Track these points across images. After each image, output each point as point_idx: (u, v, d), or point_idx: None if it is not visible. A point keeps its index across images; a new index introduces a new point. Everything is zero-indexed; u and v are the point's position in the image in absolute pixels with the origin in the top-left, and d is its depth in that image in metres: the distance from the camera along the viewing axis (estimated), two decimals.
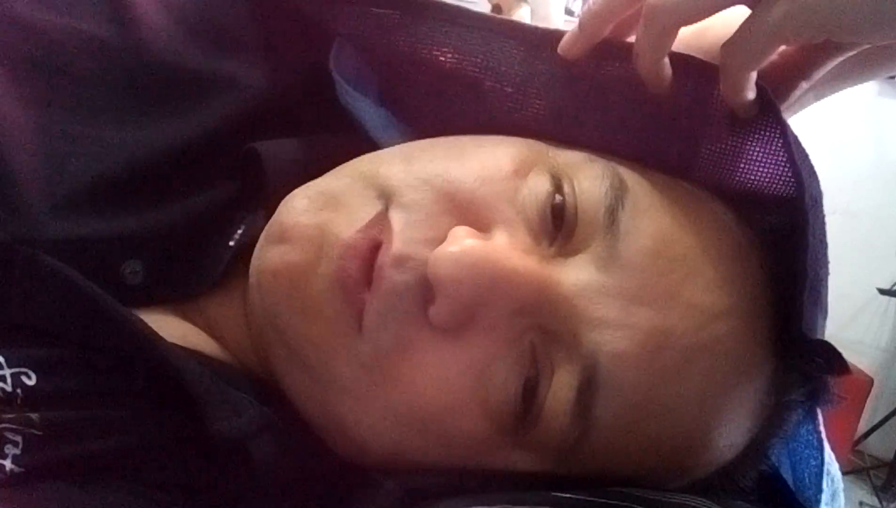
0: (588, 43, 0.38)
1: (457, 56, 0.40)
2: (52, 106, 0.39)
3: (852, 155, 2.72)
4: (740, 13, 0.35)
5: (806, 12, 0.32)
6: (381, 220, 0.35)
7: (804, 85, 0.38)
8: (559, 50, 0.39)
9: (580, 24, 0.38)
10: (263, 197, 0.40)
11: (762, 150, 0.38)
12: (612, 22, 0.38)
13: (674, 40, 0.36)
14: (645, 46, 0.36)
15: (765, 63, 0.35)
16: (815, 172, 0.37)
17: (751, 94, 0.36)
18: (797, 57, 0.38)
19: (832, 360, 0.36)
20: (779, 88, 0.38)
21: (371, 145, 0.42)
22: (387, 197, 0.35)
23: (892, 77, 2.59)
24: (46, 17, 0.41)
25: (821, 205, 0.37)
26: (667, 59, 0.37)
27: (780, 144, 0.37)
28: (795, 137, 0.37)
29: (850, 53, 0.37)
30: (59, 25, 0.41)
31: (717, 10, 0.34)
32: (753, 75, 0.36)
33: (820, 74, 0.38)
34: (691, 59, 0.38)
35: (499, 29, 0.40)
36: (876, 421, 2.60)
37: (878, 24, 0.32)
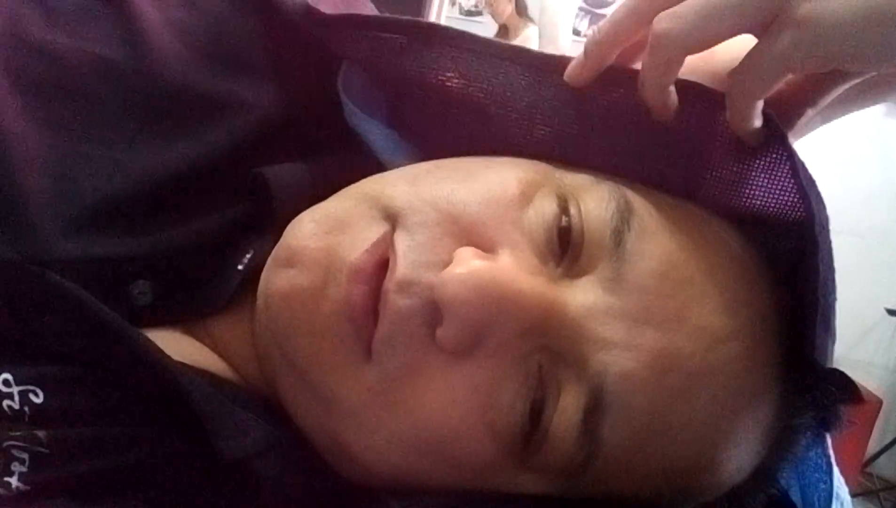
0: (594, 70, 0.39)
1: (463, 81, 0.40)
2: (64, 127, 0.40)
3: (860, 175, 2.72)
4: (748, 38, 0.35)
5: (813, 42, 0.32)
6: (387, 240, 0.35)
7: (811, 112, 0.38)
8: (565, 77, 0.39)
9: (585, 52, 0.39)
10: (271, 221, 0.40)
11: (769, 175, 0.38)
12: (618, 49, 0.38)
13: (680, 68, 0.36)
14: (651, 74, 0.36)
15: (772, 92, 0.35)
16: (822, 199, 0.37)
17: (758, 121, 0.36)
18: (804, 84, 0.38)
19: (845, 389, 0.35)
20: (785, 114, 0.38)
21: (378, 167, 0.42)
22: (392, 218, 0.35)
23: None
24: (59, 39, 0.41)
25: (828, 231, 0.37)
26: (672, 87, 0.37)
27: (787, 171, 0.37)
28: (802, 164, 0.37)
29: (857, 81, 0.37)
30: (71, 48, 0.41)
31: (723, 39, 0.34)
32: (760, 103, 0.36)
33: (827, 101, 0.38)
34: (696, 85, 0.38)
35: (505, 55, 0.40)
36: (885, 443, 2.58)
37: (885, 54, 0.32)
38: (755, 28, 0.34)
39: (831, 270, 0.37)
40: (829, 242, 0.37)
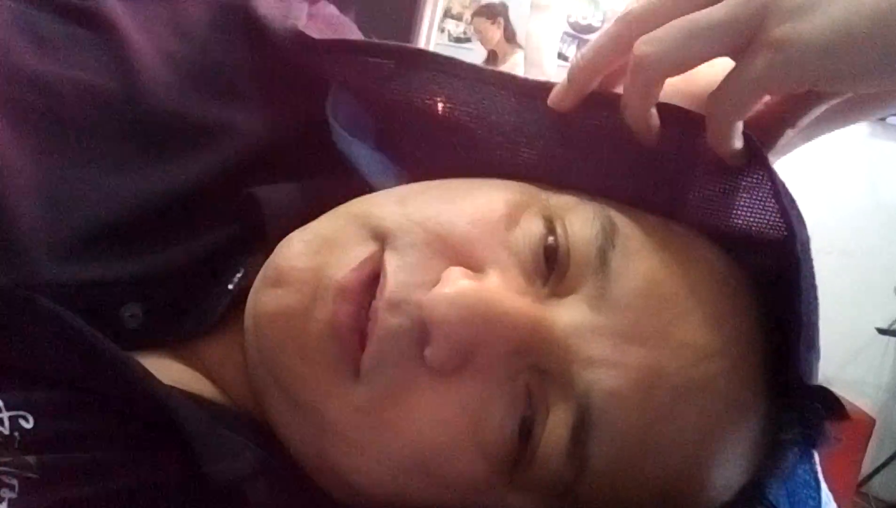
0: (577, 96, 0.39)
1: (449, 105, 0.41)
2: (54, 153, 0.40)
3: (847, 195, 2.74)
4: (729, 60, 0.36)
5: (788, 63, 0.33)
6: (375, 259, 0.35)
7: (790, 132, 0.39)
8: (549, 102, 0.40)
9: (569, 77, 0.39)
10: (262, 241, 0.40)
11: (750, 195, 0.38)
12: (600, 75, 0.39)
13: (660, 90, 0.36)
14: (632, 97, 0.37)
15: (750, 113, 0.36)
16: (803, 218, 0.38)
17: (738, 143, 0.37)
18: (783, 105, 0.39)
19: (831, 405, 0.36)
20: (766, 135, 0.39)
21: (367, 189, 0.42)
22: (381, 238, 0.36)
23: (883, 119, 2.62)
24: (49, 68, 0.42)
25: (809, 250, 0.37)
26: (654, 110, 0.38)
27: (768, 191, 0.38)
28: (783, 184, 0.37)
29: (836, 101, 0.37)
30: (62, 77, 0.42)
31: (701, 62, 0.35)
32: (740, 125, 0.36)
33: (806, 121, 0.39)
34: (676, 108, 0.39)
35: (490, 80, 0.41)
36: (879, 462, 2.58)
37: (860, 75, 0.33)
38: (733, 51, 0.35)
39: (814, 288, 0.37)
40: (811, 260, 0.37)
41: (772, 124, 0.39)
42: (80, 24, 0.45)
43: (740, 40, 0.34)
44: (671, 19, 0.35)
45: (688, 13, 0.35)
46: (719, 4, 0.35)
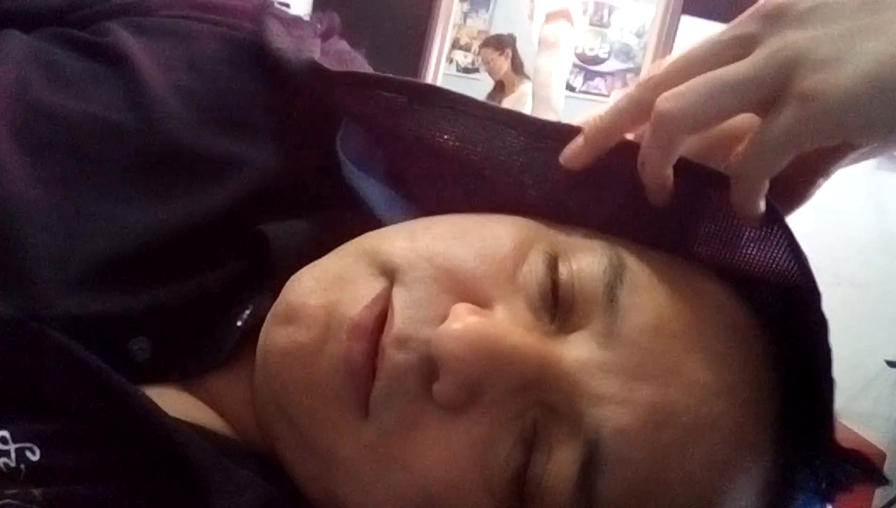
0: (592, 155, 0.38)
1: (459, 143, 0.41)
2: (67, 186, 0.40)
3: (856, 227, 2.74)
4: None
5: (820, 117, 0.32)
6: (385, 297, 0.35)
7: (822, 182, 0.38)
8: (561, 159, 0.39)
9: (585, 136, 0.38)
10: (270, 278, 0.41)
11: (759, 244, 0.38)
12: (618, 137, 0.38)
13: (682, 148, 0.36)
14: (652, 154, 0.36)
15: (779, 171, 0.34)
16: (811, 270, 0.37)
17: (763, 205, 0.36)
18: (814, 155, 0.37)
19: (868, 471, 0.36)
20: (798, 186, 0.38)
21: (376, 223, 0.43)
22: (390, 274, 0.36)
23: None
24: (65, 102, 0.42)
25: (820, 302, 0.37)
26: (671, 165, 0.36)
27: (782, 242, 0.37)
28: (792, 234, 0.37)
29: (865, 150, 0.36)
30: (76, 111, 0.42)
31: (726, 119, 0.34)
32: (766, 183, 0.35)
33: (837, 169, 0.38)
34: (687, 162, 0.37)
35: (500, 118, 0.41)
36: (891, 497, 2.54)
37: (893, 124, 0.32)
38: (759, 106, 0.34)
39: (827, 334, 0.36)
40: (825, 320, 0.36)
41: (804, 175, 0.38)
42: (95, 59, 0.45)
43: (767, 95, 0.33)
44: (690, 79, 0.35)
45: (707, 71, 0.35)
46: (744, 61, 0.34)
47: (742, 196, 0.36)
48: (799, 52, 0.33)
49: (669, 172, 0.37)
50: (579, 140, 0.38)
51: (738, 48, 0.35)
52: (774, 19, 0.34)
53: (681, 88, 0.35)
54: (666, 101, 0.35)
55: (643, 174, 0.37)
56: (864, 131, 0.33)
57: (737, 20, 0.35)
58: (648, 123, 0.36)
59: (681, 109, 0.34)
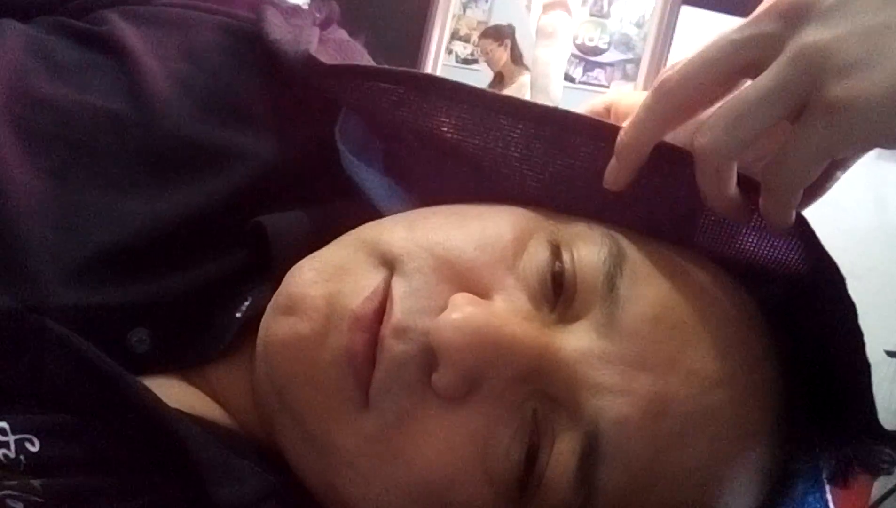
0: (630, 172, 0.37)
1: (457, 135, 0.41)
2: (66, 177, 0.40)
3: (855, 218, 2.73)
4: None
5: (852, 127, 0.31)
6: (385, 288, 0.35)
7: (840, 175, 0.38)
8: (605, 185, 0.38)
9: (617, 156, 0.37)
10: (269, 269, 0.40)
11: (760, 235, 0.38)
12: (648, 149, 0.37)
13: (733, 172, 0.35)
14: (708, 187, 0.35)
15: (811, 180, 0.34)
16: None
17: (793, 214, 0.35)
18: None
19: None
20: (816, 181, 0.36)
21: (376, 214, 0.42)
22: (390, 264, 0.36)
23: None
24: (63, 92, 0.42)
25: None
26: (734, 181, 0.35)
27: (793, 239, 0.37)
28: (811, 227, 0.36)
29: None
30: (75, 101, 0.42)
31: (760, 135, 0.33)
32: (800, 193, 0.34)
33: (855, 161, 0.37)
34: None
35: (498, 106, 0.41)
36: (890, 486, 2.55)
37: None
38: (788, 116, 0.33)
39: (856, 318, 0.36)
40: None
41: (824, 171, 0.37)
42: (93, 48, 0.45)
43: (795, 106, 0.32)
44: (708, 83, 0.34)
45: (725, 74, 0.34)
46: (766, 72, 0.32)
47: (775, 208, 0.35)
48: (823, 55, 0.31)
49: (732, 187, 0.35)
50: (613, 162, 0.37)
51: (755, 49, 0.33)
52: (794, 18, 0.32)
53: (710, 119, 0.34)
54: (699, 136, 0.34)
55: (708, 204, 0.36)
56: (894, 138, 0.31)
57: (753, 17, 0.34)
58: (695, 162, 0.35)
59: (715, 140, 0.33)
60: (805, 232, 0.36)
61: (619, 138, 0.37)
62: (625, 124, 0.37)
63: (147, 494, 0.34)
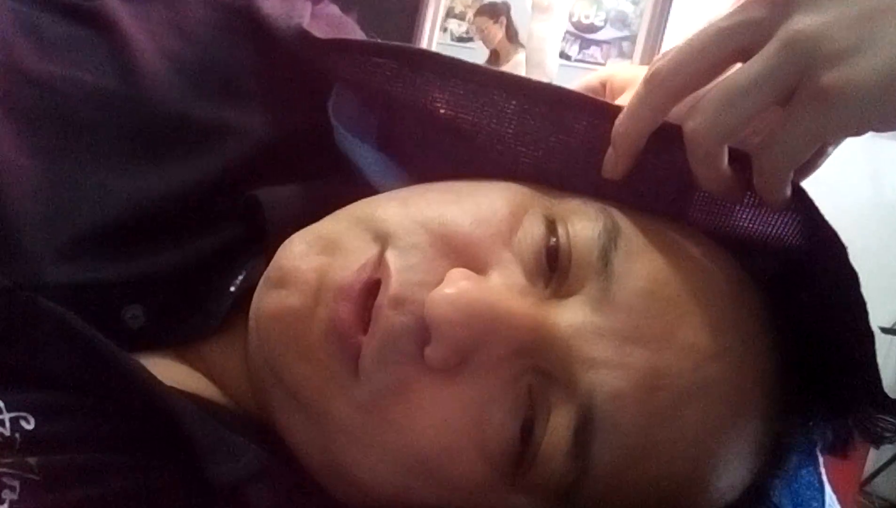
0: (629, 161, 0.37)
1: (451, 111, 0.41)
2: (56, 154, 0.40)
3: (850, 195, 2.73)
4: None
5: (843, 113, 0.31)
6: (377, 262, 0.35)
7: (831, 151, 0.38)
8: (603, 174, 0.38)
9: (614, 146, 0.37)
10: (263, 243, 0.40)
11: (755, 210, 0.38)
12: (644, 139, 0.37)
13: (724, 155, 0.35)
14: (700, 170, 0.35)
15: (802, 162, 0.34)
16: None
17: (788, 190, 0.35)
18: None
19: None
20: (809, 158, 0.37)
21: (370, 190, 0.42)
22: (383, 240, 0.36)
23: None
24: (52, 68, 0.42)
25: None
26: (726, 163, 0.35)
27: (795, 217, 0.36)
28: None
29: None
30: (64, 77, 0.42)
31: (751, 120, 0.33)
32: (791, 173, 0.34)
33: (846, 138, 0.37)
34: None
35: (491, 81, 0.40)
36: (883, 461, 2.57)
37: None
38: (778, 102, 0.33)
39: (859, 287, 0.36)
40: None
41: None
42: (82, 24, 0.45)
43: (785, 91, 0.32)
44: (700, 71, 0.34)
45: (716, 62, 0.34)
46: (756, 58, 0.33)
47: (768, 186, 0.35)
48: (813, 41, 0.31)
49: (723, 169, 0.35)
50: (611, 151, 0.37)
51: (745, 36, 0.33)
52: (782, 3, 0.32)
53: (701, 103, 0.34)
54: (690, 120, 0.34)
55: (702, 186, 0.36)
56: (885, 123, 0.32)
57: (742, 2, 0.34)
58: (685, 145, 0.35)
59: (704, 125, 0.33)
60: (804, 203, 0.36)
61: (614, 128, 0.37)
62: (620, 115, 0.37)
63: (142, 471, 0.34)
